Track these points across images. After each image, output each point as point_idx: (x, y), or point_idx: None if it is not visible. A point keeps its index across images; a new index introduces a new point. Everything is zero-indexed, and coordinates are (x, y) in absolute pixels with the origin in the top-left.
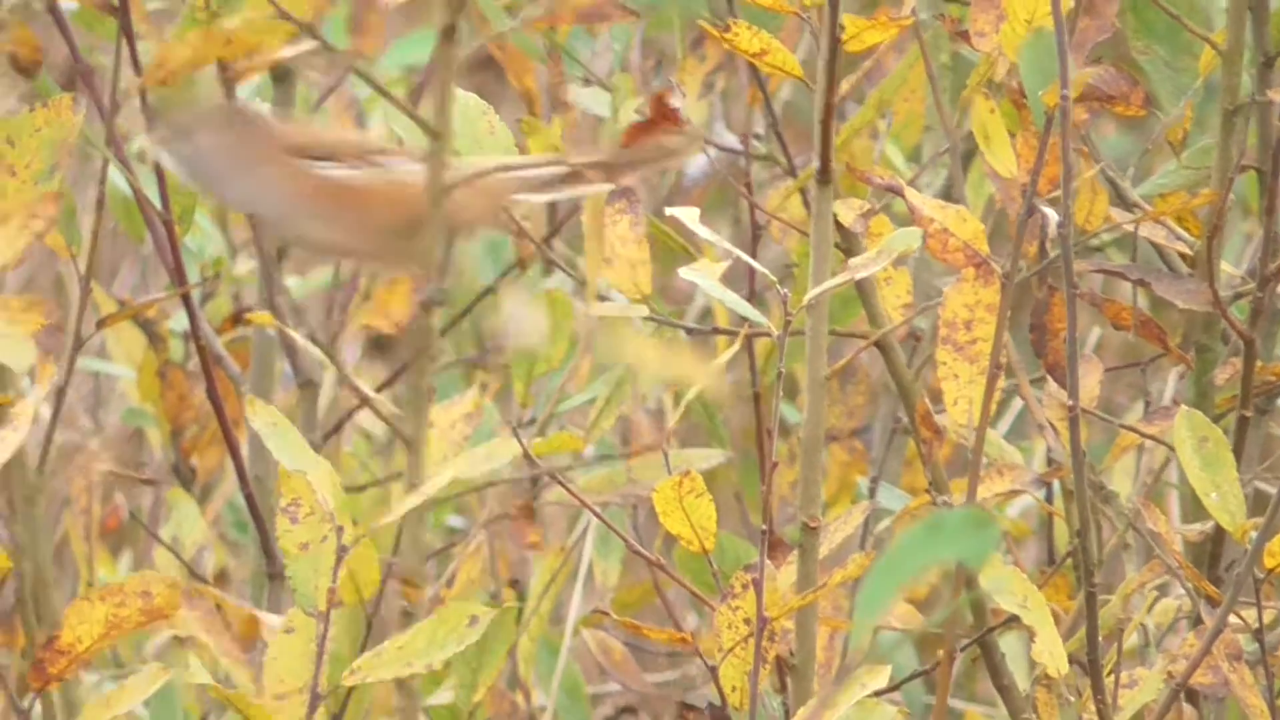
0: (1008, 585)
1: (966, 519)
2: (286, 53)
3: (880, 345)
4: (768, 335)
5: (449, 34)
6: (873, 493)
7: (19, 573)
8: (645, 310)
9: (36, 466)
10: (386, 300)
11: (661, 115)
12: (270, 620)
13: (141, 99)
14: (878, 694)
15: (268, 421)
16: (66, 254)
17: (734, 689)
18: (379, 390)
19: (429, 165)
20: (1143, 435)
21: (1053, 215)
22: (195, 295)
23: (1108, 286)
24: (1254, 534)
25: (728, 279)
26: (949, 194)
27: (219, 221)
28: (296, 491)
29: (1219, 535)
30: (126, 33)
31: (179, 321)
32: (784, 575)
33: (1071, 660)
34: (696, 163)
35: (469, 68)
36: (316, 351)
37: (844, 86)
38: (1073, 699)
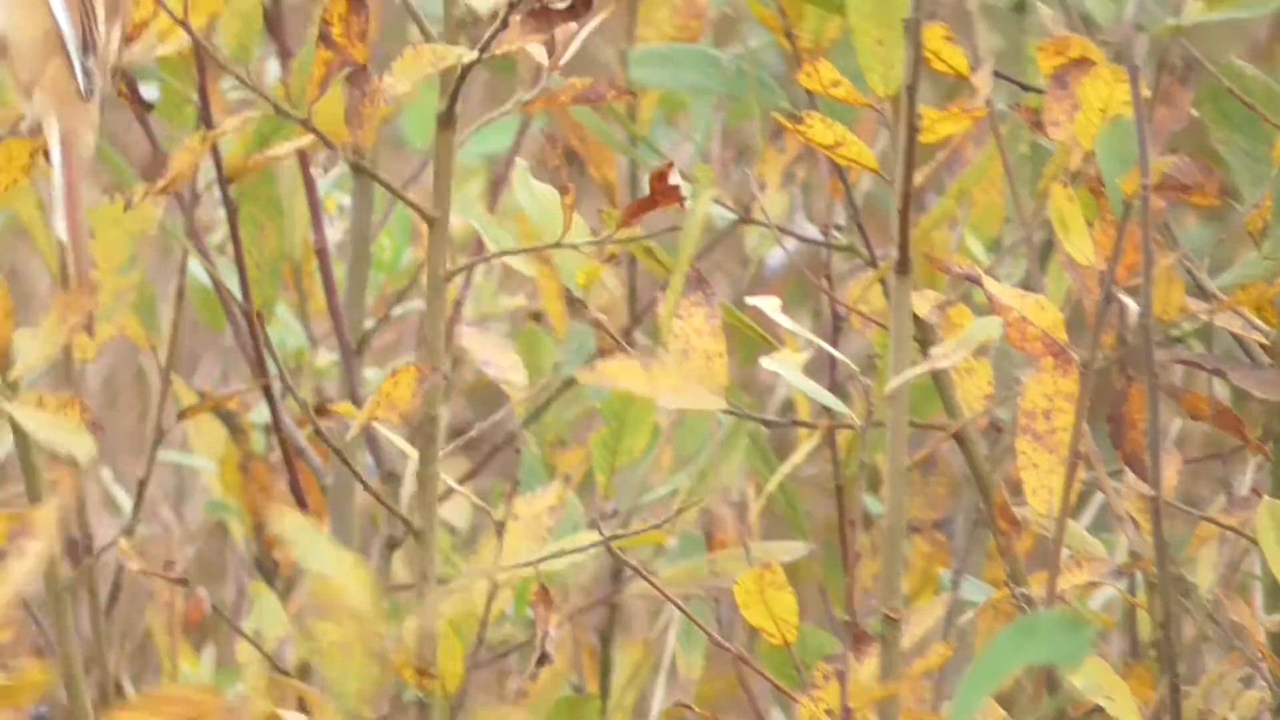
0: (1093, 677)
1: (1059, 620)
2: (281, 150)
3: (959, 436)
4: (850, 427)
5: (447, 122)
6: (955, 584)
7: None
8: (722, 403)
9: (70, 567)
10: (390, 392)
11: (661, 192)
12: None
13: (222, 190)
14: None
15: (296, 527)
16: (147, 346)
17: None
18: (462, 482)
19: (430, 250)
20: (1223, 526)
21: (1132, 304)
22: (276, 387)
23: (1189, 377)
24: None
25: (809, 370)
26: (1029, 284)
27: (299, 313)
28: (331, 594)
29: None
30: (206, 123)
31: (260, 414)
32: (866, 667)
33: None
34: (776, 254)
35: (549, 157)
36: (399, 443)
37: (921, 177)
38: None
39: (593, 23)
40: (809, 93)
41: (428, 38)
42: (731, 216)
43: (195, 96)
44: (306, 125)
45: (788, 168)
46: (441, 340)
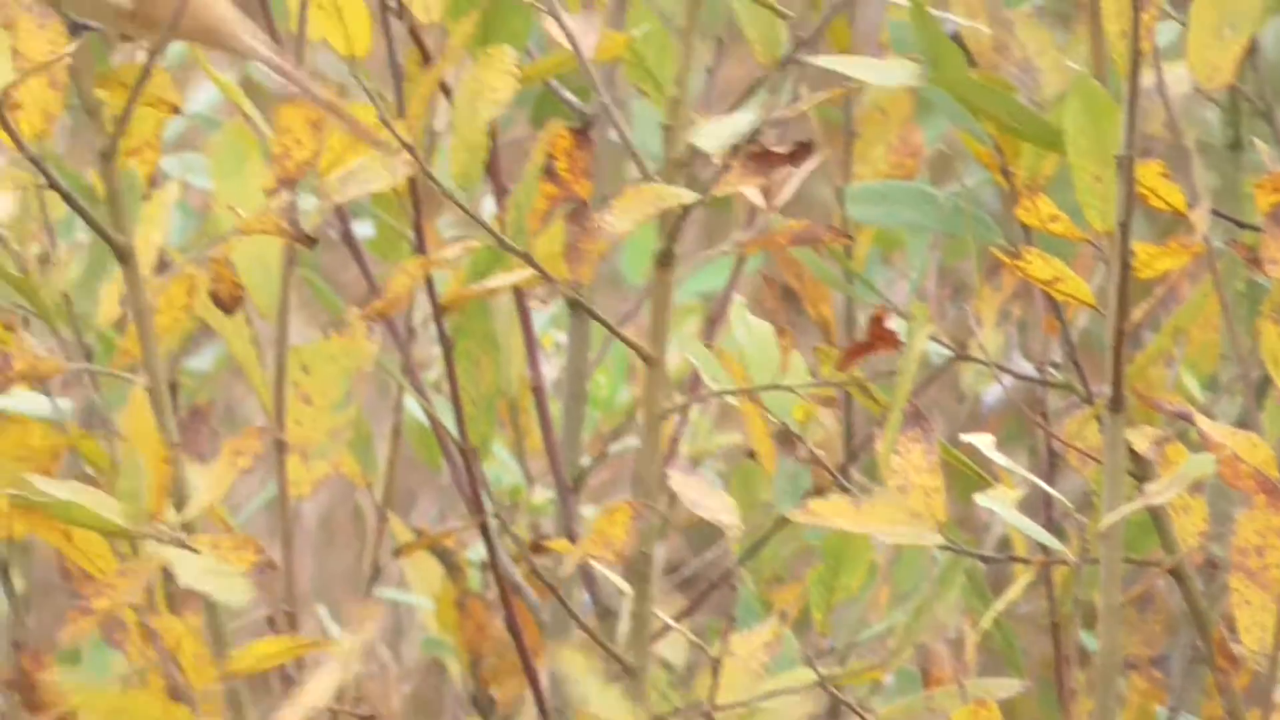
0: None
1: None
2: (498, 282)
3: (1175, 573)
4: (1065, 563)
5: (665, 262)
6: None
7: None
8: (939, 539)
9: None
10: (605, 530)
11: (879, 336)
12: None
13: (438, 325)
14: None
15: (578, 668)
16: (363, 483)
17: None
18: (679, 618)
19: (646, 389)
20: None
21: None
22: (493, 525)
23: None
24: None
25: (1025, 507)
26: (1246, 421)
27: (515, 451)
28: None
29: None
30: None
31: (477, 551)
32: None
33: None
34: (993, 391)
35: (766, 296)
36: (615, 580)
37: (1138, 314)
38: None
39: (810, 166)
40: (1025, 228)
41: (646, 177)
42: (948, 353)
43: (411, 233)
44: (527, 259)
45: (1004, 305)
46: (657, 478)
